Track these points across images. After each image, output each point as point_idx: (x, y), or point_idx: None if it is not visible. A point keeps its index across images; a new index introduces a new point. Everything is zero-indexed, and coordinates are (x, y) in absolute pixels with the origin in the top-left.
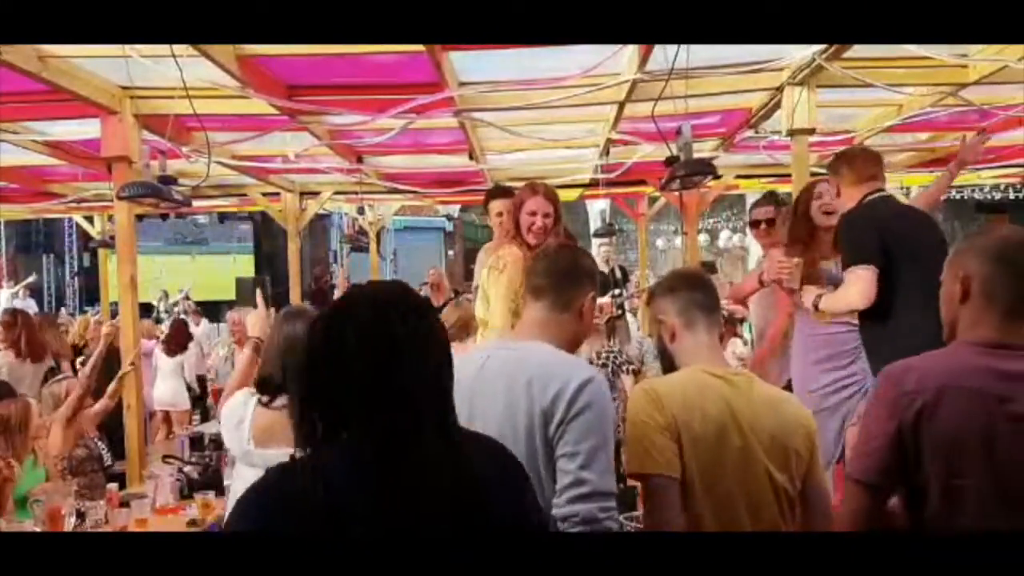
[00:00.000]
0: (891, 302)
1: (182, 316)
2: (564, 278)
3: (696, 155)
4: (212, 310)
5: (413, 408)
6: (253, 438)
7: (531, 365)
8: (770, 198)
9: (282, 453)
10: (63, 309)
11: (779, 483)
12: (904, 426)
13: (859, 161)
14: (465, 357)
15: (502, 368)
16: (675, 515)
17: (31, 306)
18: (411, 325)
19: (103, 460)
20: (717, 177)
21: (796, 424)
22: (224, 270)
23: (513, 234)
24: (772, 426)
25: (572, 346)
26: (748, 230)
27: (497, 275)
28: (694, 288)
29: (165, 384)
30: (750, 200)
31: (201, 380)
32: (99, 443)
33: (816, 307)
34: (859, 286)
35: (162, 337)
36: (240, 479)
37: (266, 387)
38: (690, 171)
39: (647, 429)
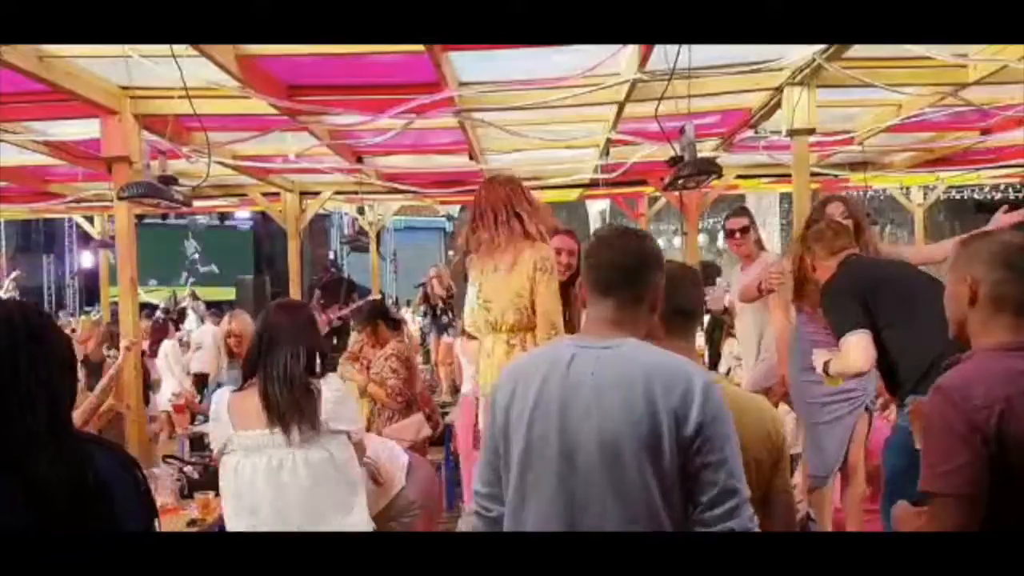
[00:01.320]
0: (889, 345)
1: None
2: (636, 271)
3: (698, 155)
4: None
5: (32, 413)
6: (233, 418)
7: (642, 364)
8: (742, 211)
9: (257, 434)
10: (62, 312)
11: None
12: (988, 436)
13: (828, 237)
14: (537, 356)
15: (601, 367)
16: None
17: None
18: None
19: None
20: (720, 176)
21: (758, 431)
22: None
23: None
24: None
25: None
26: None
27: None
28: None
29: (166, 384)
30: (750, 200)
31: (202, 377)
32: None
33: (827, 372)
34: (858, 351)
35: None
36: (223, 468)
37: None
38: (695, 171)
39: None
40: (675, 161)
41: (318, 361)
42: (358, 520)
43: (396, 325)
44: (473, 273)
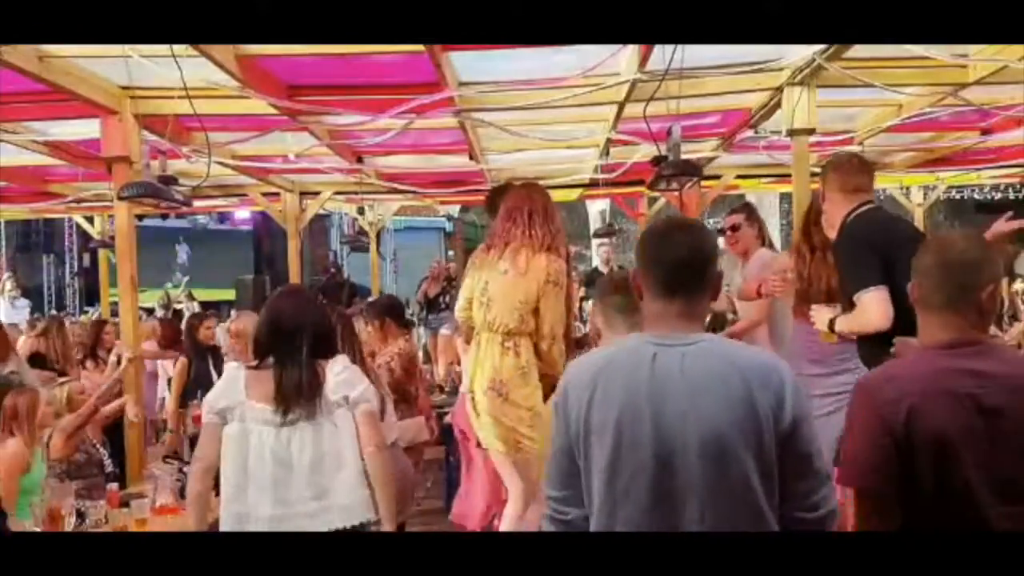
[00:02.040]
0: (899, 314)
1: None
2: (701, 266)
3: (695, 155)
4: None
5: None
6: (247, 389)
7: (734, 360)
8: (739, 209)
9: (268, 409)
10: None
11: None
12: (897, 432)
13: (846, 169)
14: (613, 357)
15: (690, 365)
16: None
17: (24, 306)
18: None
19: (103, 465)
20: (705, 179)
21: None
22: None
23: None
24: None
25: None
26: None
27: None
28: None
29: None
30: (750, 200)
31: None
32: (100, 448)
33: (832, 328)
34: (877, 308)
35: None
36: (227, 436)
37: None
38: (675, 172)
39: None
40: (659, 161)
41: (325, 343)
42: (363, 495)
43: (406, 325)
44: (478, 268)
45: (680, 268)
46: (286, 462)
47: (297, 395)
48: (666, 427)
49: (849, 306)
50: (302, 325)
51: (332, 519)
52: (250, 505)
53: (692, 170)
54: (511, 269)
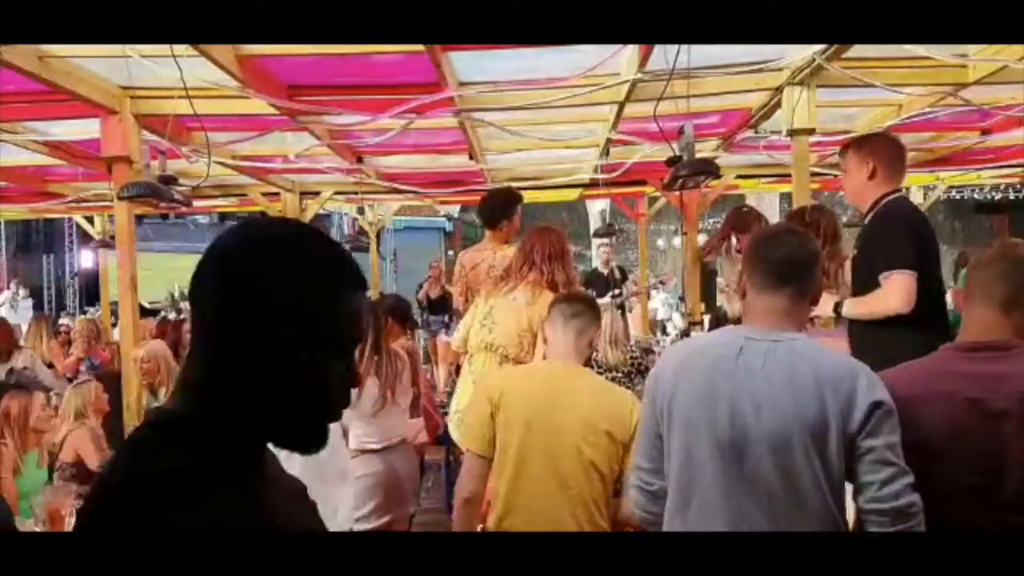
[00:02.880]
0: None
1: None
2: (807, 266)
3: (697, 155)
4: None
5: None
6: None
7: (812, 362)
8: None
9: None
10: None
11: (588, 459)
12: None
13: (897, 150)
14: (705, 344)
15: (771, 361)
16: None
17: (27, 306)
18: None
19: None
20: (718, 177)
21: (618, 411)
22: None
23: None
24: (588, 412)
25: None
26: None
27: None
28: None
29: None
30: (750, 200)
31: None
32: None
33: (837, 312)
34: (903, 292)
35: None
36: None
37: None
38: (693, 171)
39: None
40: (673, 161)
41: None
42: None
43: (410, 326)
44: (484, 297)
45: (787, 267)
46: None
47: None
48: (740, 418)
49: (861, 289)
50: None
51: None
52: None
53: (709, 168)
54: (520, 298)
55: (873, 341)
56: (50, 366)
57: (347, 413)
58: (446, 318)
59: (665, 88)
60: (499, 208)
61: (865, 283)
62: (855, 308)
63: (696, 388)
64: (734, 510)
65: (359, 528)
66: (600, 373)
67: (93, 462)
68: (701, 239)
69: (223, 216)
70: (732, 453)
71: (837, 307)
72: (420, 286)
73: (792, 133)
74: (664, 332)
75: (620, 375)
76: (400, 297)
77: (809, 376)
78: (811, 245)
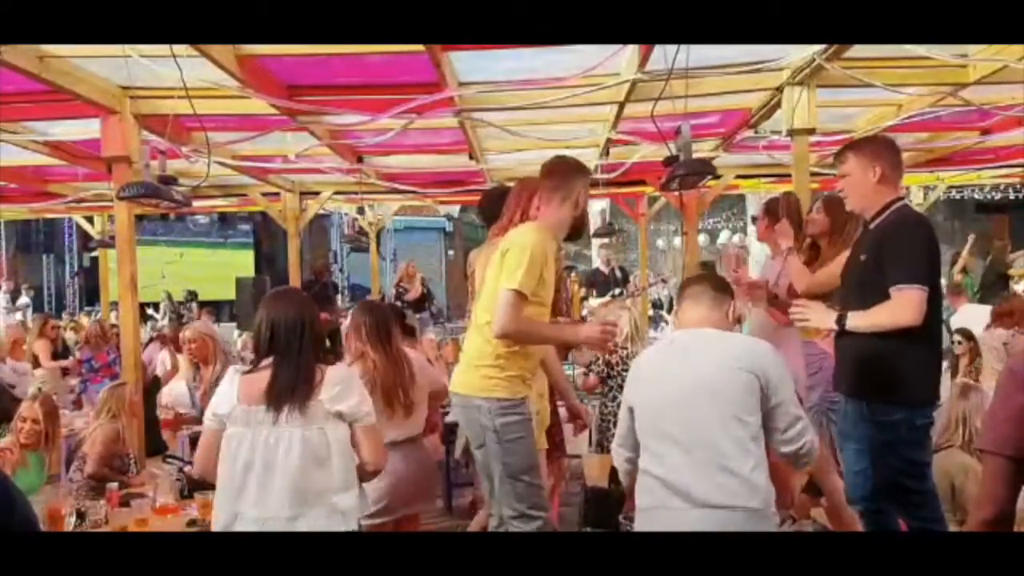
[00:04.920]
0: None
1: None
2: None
3: (695, 155)
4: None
5: None
6: (240, 393)
7: None
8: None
9: (259, 409)
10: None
11: None
12: None
13: (898, 155)
14: None
15: None
16: None
17: (24, 305)
18: None
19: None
20: (717, 177)
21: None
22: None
23: None
24: None
25: None
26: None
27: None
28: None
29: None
30: (750, 200)
31: None
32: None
33: (841, 325)
34: (918, 307)
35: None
36: (225, 440)
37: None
38: (689, 171)
39: None
40: (671, 161)
41: (322, 344)
42: (351, 504)
43: (410, 331)
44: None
45: None
46: (272, 464)
47: (289, 396)
48: None
49: (865, 296)
50: (297, 327)
51: (316, 521)
52: (239, 507)
53: (706, 168)
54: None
55: (871, 352)
56: (37, 363)
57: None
58: (427, 315)
59: (664, 88)
60: (497, 205)
61: (873, 290)
62: (864, 320)
63: None
64: None
65: (366, 524)
66: (624, 371)
67: (92, 460)
68: (701, 239)
69: (223, 216)
70: None
71: (840, 320)
72: (397, 289)
73: (792, 133)
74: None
75: None
76: (392, 306)
77: None
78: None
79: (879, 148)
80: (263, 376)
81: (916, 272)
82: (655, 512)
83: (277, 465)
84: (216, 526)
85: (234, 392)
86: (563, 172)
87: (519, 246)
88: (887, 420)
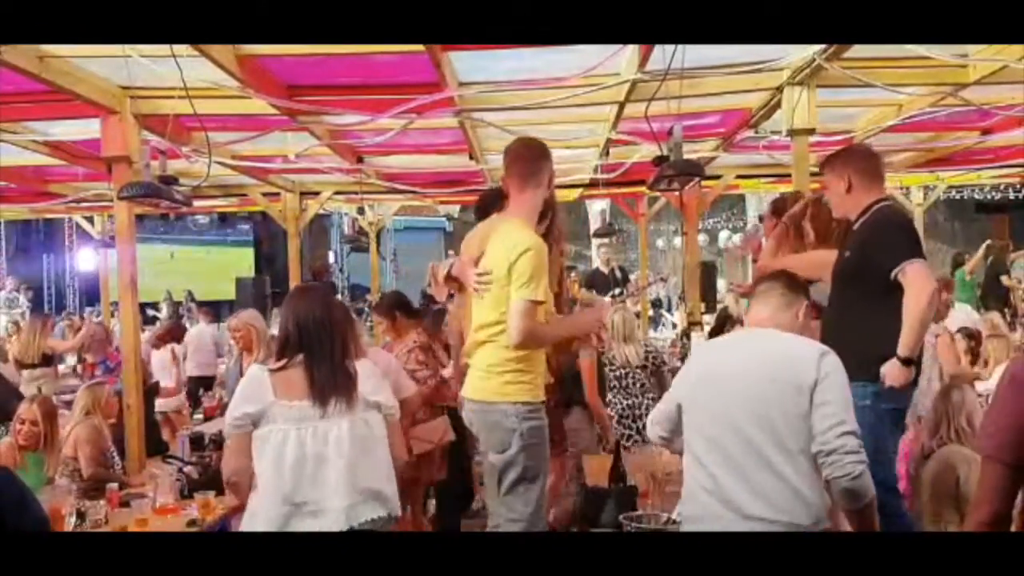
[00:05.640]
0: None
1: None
2: None
3: (695, 155)
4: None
5: None
6: (275, 391)
7: None
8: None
9: (304, 405)
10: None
11: None
12: None
13: (875, 158)
14: None
15: None
16: None
17: (23, 304)
18: None
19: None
20: (706, 179)
21: None
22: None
23: None
24: None
25: None
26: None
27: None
28: None
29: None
30: (750, 200)
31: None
32: (116, 456)
33: (908, 359)
34: (924, 276)
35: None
36: (262, 442)
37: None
38: (678, 172)
39: None
40: (660, 161)
41: (349, 341)
42: (394, 490)
43: (415, 315)
44: None
45: None
46: (324, 457)
47: (333, 389)
48: None
49: (850, 290)
50: (328, 323)
51: (370, 509)
52: (293, 502)
53: (694, 170)
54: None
55: (853, 332)
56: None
57: None
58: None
59: (658, 87)
60: (493, 205)
61: (853, 282)
62: (911, 337)
63: None
64: None
65: None
66: (614, 371)
67: (85, 463)
68: (701, 239)
69: (223, 216)
70: None
71: (907, 361)
72: (424, 292)
73: (792, 133)
74: None
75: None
76: (398, 292)
77: None
78: None
79: (847, 158)
80: (297, 373)
81: (906, 252)
82: (702, 522)
83: (329, 457)
84: (263, 523)
85: (266, 390)
86: (532, 158)
87: (525, 255)
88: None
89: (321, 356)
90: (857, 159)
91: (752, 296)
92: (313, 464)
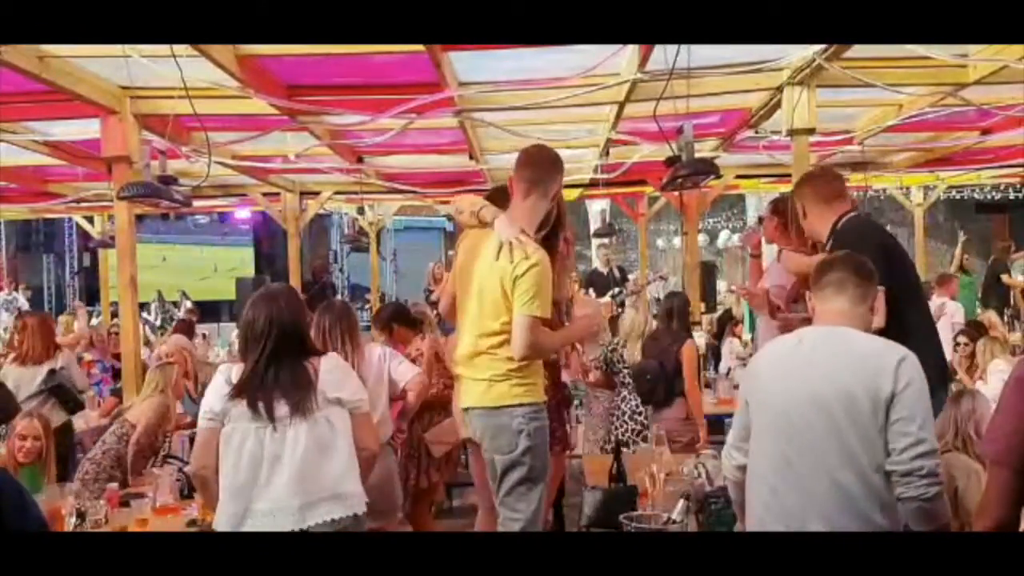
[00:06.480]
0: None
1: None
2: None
3: (696, 155)
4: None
5: None
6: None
7: None
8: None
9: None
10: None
11: None
12: None
13: (820, 180)
14: None
15: None
16: None
17: (23, 303)
18: None
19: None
20: (718, 177)
21: None
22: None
23: None
24: None
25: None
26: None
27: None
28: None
29: None
30: (750, 200)
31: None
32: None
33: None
34: (882, 308)
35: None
36: (224, 439)
37: None
38: (692, 171)
39: None
40: (672, 161)
41: (299, 342)
42: (355, 489)
43: (415, 324)
44: None
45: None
46: (279, 457)
47: (280, 393)
48: None
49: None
50: (272, 327)
51: (327, 510)
52: (247, 502)
53: (708, 168)
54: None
55: None
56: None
57: None
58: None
59: (665, 88)
60: (496, 204)
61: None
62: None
63: None
64: None
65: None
66: (625, 368)
67: (143, 431)
68: (701, 239)
69: (223, 216)
70: None
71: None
72: (427, 291)
73: (792, 133)
74: None
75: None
76: (396, 303)
77: None
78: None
79: (797, 188)
80: (256, 374)
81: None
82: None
83: (284, 458)
84: (222, 523)
85: (229, 389)
86: (544, 167)
87: (532, 270)
88: None
89: (266, 360)
90: (806, 185)
91: (818, 285)
92: (268, 464)
